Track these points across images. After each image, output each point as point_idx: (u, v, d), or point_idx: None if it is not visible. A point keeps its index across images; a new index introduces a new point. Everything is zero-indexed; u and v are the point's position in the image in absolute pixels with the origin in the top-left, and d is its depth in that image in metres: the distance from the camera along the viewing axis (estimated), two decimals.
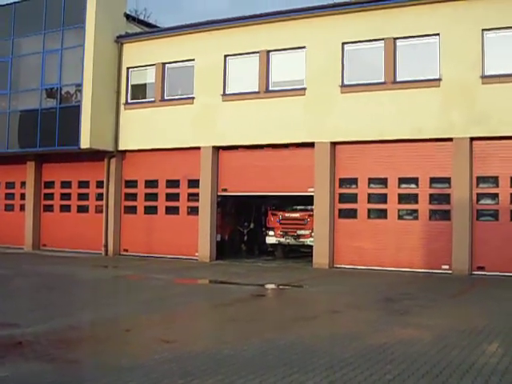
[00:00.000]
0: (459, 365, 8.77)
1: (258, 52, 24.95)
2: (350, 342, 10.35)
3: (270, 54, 24.81)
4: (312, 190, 23.56)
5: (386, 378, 8.10)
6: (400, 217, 22.54)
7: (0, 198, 32.89)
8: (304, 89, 23.84)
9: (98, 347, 10.26)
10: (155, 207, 27.75)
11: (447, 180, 21.65)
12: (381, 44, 22.62)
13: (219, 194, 26.09)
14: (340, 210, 23.44)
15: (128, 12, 29.96)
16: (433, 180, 21.97)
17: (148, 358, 9.14)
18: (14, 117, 29.21)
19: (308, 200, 24.33)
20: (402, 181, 22.49)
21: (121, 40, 27.94)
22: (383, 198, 22.81)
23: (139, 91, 28.49)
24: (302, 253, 27.02)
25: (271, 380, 7.95)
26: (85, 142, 26.70)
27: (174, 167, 26.97)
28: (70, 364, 9.11)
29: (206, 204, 25.76)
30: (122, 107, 28.08)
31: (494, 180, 21.08)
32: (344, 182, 23.51)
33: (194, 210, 26.55)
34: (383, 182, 22.80)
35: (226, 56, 25.63)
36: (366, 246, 22.71)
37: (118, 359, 9.18)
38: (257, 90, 24.92)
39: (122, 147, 27.99)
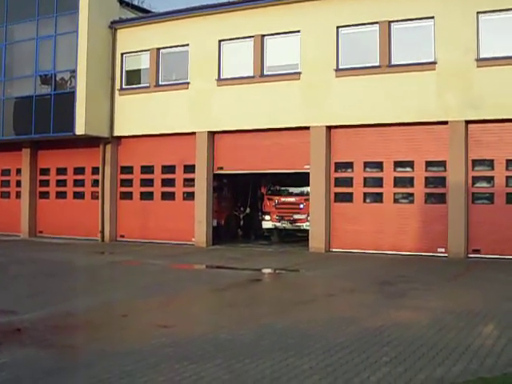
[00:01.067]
0: (455, 347, 8.82)
1: (252, 36, 24.87)
2: (347, 325, 10.40)
3: (265, 38, 24.72)
4: (308, 167, 23.52)
5: (382, 360, 8.14)
6: (396, 200, 22.56)
7: None
8: (299, 73, 23.79)
9: (95, 333, 10.29)
10: (151, 193, 27.75)
11: (443, 163, 21.66)
12: (375, 27, 22.54)
13: (215, 172, 26.04)
14: (336, 194, 23.45)
15: None
16: (428, 163, 21.98)
17: (145, 343, 9.17)
18: (8, 104, 29.11)
19: (304, 178, 24.34)
20: (397, 164, 22.50)
21: (115, 25, 27.82)
22: (379, 182, 22.83)
23: (134, 77, 28.40)
24: (299, 237, 27.06)
25: (268, 364, 7.99)
26: (80, 129, 26.64)
27: (170, 152, 26.93)
28: (68, 350, 9.16)
29: (201, 189, 25.75)
30: (116, 93, 28.00)
31: (490, 163, 21.08)
32: (339, 165, 23.51)
33: (189, 196, 26.55)
34: (379, 165, 22.80)
35: (220, 41, 25.54)
36: (362, 230, 22.74)
37: (115, 344, 9.22)
38: (252, 74, 24.86)
39: (117, 133, 27.94)
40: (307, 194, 24.67)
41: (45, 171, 30.89)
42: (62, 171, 30.36)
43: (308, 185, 24.02)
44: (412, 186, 22.26)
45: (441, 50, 21.39)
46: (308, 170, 23.59)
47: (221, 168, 25.92)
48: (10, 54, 29.16)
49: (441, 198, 21.77)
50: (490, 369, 7.75)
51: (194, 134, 25.87)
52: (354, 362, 8.06)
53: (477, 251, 20.87)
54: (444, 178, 21.64)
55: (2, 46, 29.00)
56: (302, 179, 24.72)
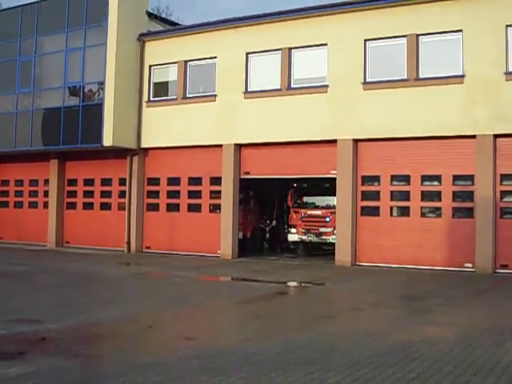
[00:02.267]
0: (483, 364, 8.71)
1: (279, 49, 24.91)
2: (372, 340, 10.31)
3: (292, 51, 24.76)
4: (334, 172, 23.45)
5: (409, 376, 8.05)
6: (423, 214, 22.41)
7: (24, 196, 33.14)
8: (326, 86, 23.77)
9: (120, 344, 10.30)
10: (177, 205, 27.82)
11: (470, 177, 21.49)
12: (403, 41, 22.49)
13: (242, 177, 26.00)
14: (362, 208, 23.35)
15: (150, 10, 30.01)
16: (456, 177, 21.82)
17: (170, 355, 9.16)
18: (37, 115, 29.41)
19: (330, 187, 24.38)
20: (424, 178, 22.36)
21: (143, 38, 28.02)
22: (406, 196, 22.70)
23: (161, 89, 28.57)
24: (324, 250, 26.96)
25: (293, 377, 7.93)
26: (107, 140, 26.82)
27: (196, 165, 27.00)
28: (93, 360, 9.17)
29: (228, 201, 25.77)
30: (144, 105, 28.16)
31: None
32: (366, 179, 23.42)
33: (216, 208, 26.59)
34: (406, 179, 22.68)
35: (247, 53, 25.62)
36: (389, 244, 22.61)
37: (140, 356, 9.21)
38: (279, 87, 24.89)
39: (144, 145, 28.09)
40: (333, 207, 24.60)
41: (72, 182, 31.13)
42: (89, 182, 30.58)
43: (334, 193, 23.93)
44: (439, 200, 22.10)
45: (469, 63, 21.26)
46: (334, 176, 23.51)
47: (247, 173, 25.89)
48: (39, 66, 29.53)
49: (468, 213, 21.59)
50: None
51: (220, 146, 25.93)
52: (380, 378, 7.97)
53: (505, 266, 20.65)
54: (472, 192, 21.47)
55: (31, 58, 29.35)
56: (329, 188, 24.72)
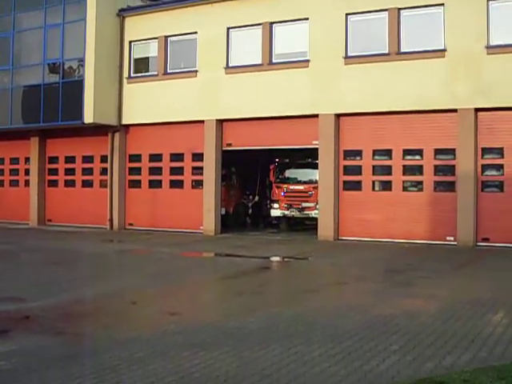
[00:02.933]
0: (464, 335, 8.80)
1: (260, 24, 24.78)
2: (355, 313, 10.39)
3: (273, 25, 24.63)
4: (316, 142, 23.49)
5: (391, 348, 8.13)
6: (405, 188, 22.51)
7: (5, 174, 32.91)
8: (307, 61, 23.70)
9: (105, 320, 10.31)
10: (160, 181, 27.76)
11: (452, 151, 21.58)
12: (385, 15, 22.42)
13: (224, 149, 25.95)
14: (345, 182, 23.41)
15: None
16: (437, 151, 21.90)
17: (154, 331, 9.20)
18: (16, 92, 29.14)
19: (312, 159, 24.57)
20: (406, 152, 22.43)
21: (123, 13, 27.76)
22: (388, 170, 22.78)
23: (142, 65, 28.38)
24: (307, 225, 27.06)
25: (277, 351, 7.98)
26: (88, 117, 26.65)
27: (178, 141, 26.92)
28: (77, 337, 9.19)
29: (210, 177, 25.74)
30: (124, 81, 27.97)
31: (499, 151, 20.99)
32: (348, 153, 23.46)
33: (198, 184, 26.57)
34: (388, 153, 22.74)
35: (228, 28, 25.47)
36: (371, 218, 22.71)
37: (124, 332, 9.25)
38: (260, 62, 24.79)
39: (125, 121, 27.94)
40: (316, 182, 24.66)
41: (53, 160, 30.94)
42: (70, 160, 30.41)
43: (316, 167, 24.03)
44: (421, 174, 22.19)
45: (450, 38, 21.25)
46: (317, 146, 23.53)
47: (229, 144, 25.81)
48: (18, 43, 29.18)
49: (450, 186, 21.71)
50: (499, 357, 7.73)
51: (202, 122, 25.84)
52: (362, 350, 8.04)
53: (486, 239, 20.81)
54: (453, 166, 21.57)
55: (9, 35, 28.98)
56: (311, 163, 24.94)
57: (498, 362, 7.52)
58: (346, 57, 22.98)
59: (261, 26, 24.77)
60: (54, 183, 30.97)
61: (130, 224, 28.11)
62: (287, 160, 27.55)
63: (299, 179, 27.19)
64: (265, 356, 7.81)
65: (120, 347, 8.28)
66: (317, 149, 23.57)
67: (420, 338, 8.67)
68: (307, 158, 25.98)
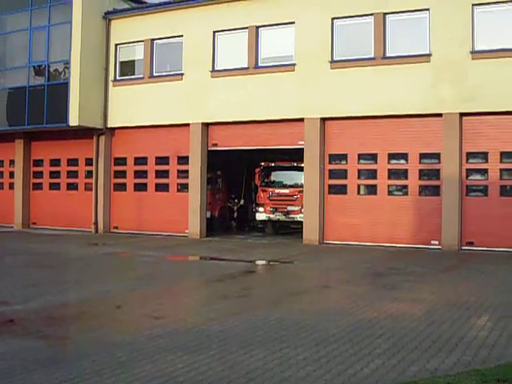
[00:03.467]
0: (449, 339, 8.83)
1: (246, 28, 24.80)
2: (340, 317, 10.40)
3: (259, 29, 24.66)
4: (302, 143, 23.52)
5: (375, 352, 8.15)
6: (390, 192, 22.58)
7: None
8: (293, 64, 23.74)
9: (89, 324, 10.27)
10: (145, 184, 27.70)
11: (437, 156, 21.68)
12: (370, 19, 22.50)
13: (210, 149, 25.90)
14: (330, 186, 23.45)
15: None
16: (422, 156, 21.99)
17: (139, 334, 9.17)
18: (1, 95, 29.01)
19: (298, 159, 24.74)
20: (391, 156, 22.51)
21: (109, 16, 27.70)
22: (373, 174, 22.84)
23: (128, 68, 28.33)
24: (292, 229, 27.08)
25: (261, 355, 7.98)
26: (73, 120, 26.56)
27: (164, 144, 26.89)
28: (62, 340, 9.15)
29: (195, 181, 25.72)
30: (110, 84, 27.91)
31: (484, 156, 21.11)
32: (334, 157, 23.52)
33: (183, 187, 26.54)
34: (373, 157, 22.81)
35: (214, 32, 25.47)
36: (356, 222, 22.77)
37: (108, 335, 9.22)
38: (246, 65, 24.81)
39: (110, 124, 27.87)
40: (301, 185, 24.70)
41: (38, 162, 30.82)
42: (55, 162, 30.29)
43: (302, 168, 24.16)
44: (406, 178, 22.28)
45: (435, 43, 21.37)
46: (302, 146, 23.55)
47: (215, 144, 25.80)
48: (2, 45, 29.11)
49: (435, 191, 21.80)
50: (483, 360, 7.77)
51: (188, 125, 25.83)
52: (347, 354, 8.06)
53: (470, 243, 20.91)
54: (438, 171, 21.67)
55: None
56: (297, 167, 25.19)
57: (482, 365, 7.55)
58: (332, 61, 23.04)
59: (247, 30, 24.80)
60: (38, 186, 30.83)
61: (115, 227, 28.03)
62: (272, 164, 27.61)
63: (284, 183, 27.24)
64: (249, 359, 7.81)
65: (104, 351, 8.26)
66: (302, 152, 23.59)
67: (404, 341, 8.70)
68: (293, 161, 26.09)
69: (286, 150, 25.24)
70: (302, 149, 23.56)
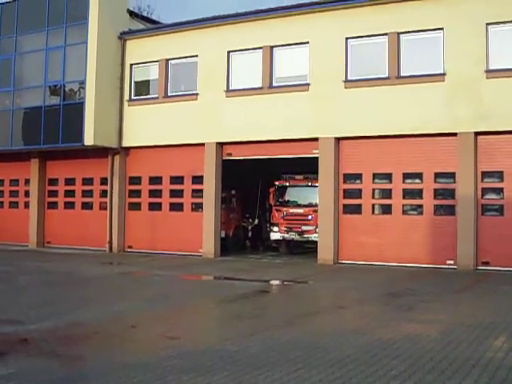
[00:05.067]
0: (465, 360, 8.74)
1: (261, 48, 24.90)
2: (355, 337, 10.32)
3: (274, 49, 24.75)
4: (317, 151, 23.50)
5: (391, 373, 8.07)
6: (405, 212, 22.49)
7: (4, 196, 32.93)
8: (308, 84, 23.78)
9: (103, 344, 10.26)
10: (159, 204, 27.74)
11: (452, 175, 21.59)
12: (385, 39, 22.54)
13: (224, 158, 25.93)
14: (344, 206, 23.40)
15: (131, 9, 29.93)
16: (437, 175, 21.91)
17: (153, 355, 9.12)
18: (17, 114, 29.23)
19: (312, 184, 25.08)
20: (406, 176, 22.44)
21: (124, 36, 27.90)
22: (388, 194, 22.78)
23: (143, 88, 28.48)
24: (307, 249, 26.99)
25: (276, 376, 7.92)
26: (89, 139, 26.69)
27: (178, 164, 26.95)
28: (76, 361, 9.11)
29: (210, 200, 25.73)
30: (125, 104, 28.05)
31: (499, 175, 21.01)
32: (348, 177, 23.47)
33: (198, 207, 26.57)
34: (388, 177, 22.76)
35: (229, 52, 25.58)
36: (371, 242, 22.66)
37: (123, 356, 9.17)
38: (260, 85, 24.88)
39: (125, 144, 27.98)
40: (316, 205, 24.64)
41: (53, 181, 30.96)
42: (70, 182, 30.42)
43: (316, 185, 24.25)
44: (421, 197, 22.19)
45: (450, 62, 21.35)
46: (317, 155, 23.52)
47: (230, 154, 25.82)
48: (19, 65, 29.32)
49: (450, 210, 21.69)
50: (500, 382, 7.68)
51: (202, 144, 25.88)
52: (363, 375, 7.98)
53: (486, 263, 20.76)
54: (453, 190, 21.57)
55: (11, 57, 29.15)
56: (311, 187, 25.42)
57: None
58: (346, 80, 23.06)
59: (261, 50, 24.89)
60: (53, 205, 30.95)
61: (130, 246, 28.06)
62: (287, 183, 27.59)
63: (299, 202, 27.20)
64: (264, 381, 7.75)
65: (118, 371, 8.22)
66: (317, 167, 23.54)
67: (421, 362, 8.62)
68: (307, 181, 26.12)
69: (300, 163, 25.35)
70: (317, 162, 23.48)
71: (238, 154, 25.73)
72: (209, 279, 20.64)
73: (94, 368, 8.60)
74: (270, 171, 27.41)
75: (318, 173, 23.76)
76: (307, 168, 25.58)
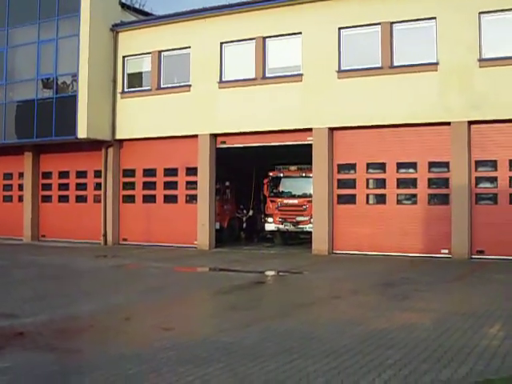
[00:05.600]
0: (460, 348, 8.76)
1: (254, 39, 24.84)
2: (351, 327, 10.34)
3: (266, 40, 24.69)
4: (311, 139, 23.48)
5: (387, 362, 8.08)
6: (399, 202, 22.51)
7: None
8: (301, 75, 23.74)
9: (98, 336, 10.26)
10: (153, 196, 27.71)
11: (446, 164, 21.61)
12: (377, 28, 22.50)
13: (218, 146, 25.90)
14: (339, 196, 23.40)
15: (123, 0, 29.76)
16: (431, 164, 21.93)
17: (148, 346, 9.13)
18: (10, 107, 29.13)
19: (306, 175, 25.15)
20: (400, 165, 22.45)
21: (116, 28, 27.80)
22: (382, 183, 22.79)
23: (135, 80, 28.40)
24: (301, 239, 27.03)
25: (272, 367, 7.93)
26: (82, 132, 26.62)
27: (172, 155, 26.91)
28: (71, 353, 9.11)
29: (204, 192, 25.71)
30: (118, 96, 27.97)
31: (493, 164, 21.03)
32: (342, 167, 23.47)
33: (192, 198, 26.54)
34: (382, 167, 22.76)
35: (222, 43, 25.51)
36: (366, 232, 22.69)
37: (118, 348, 9.17)
38: (253, 76, 24.83)
39: (119, 136, 27.92)
40: (310, 195, 24.66)
41: (47, 175, 30.88)
42: (64, 175, 30.35)
43: (310, 176, 24.22)
44: (415, 187, 22.21)
45: (443, 51, 21.34)
46: (311, 142, 23.50)
47: (223, 142, 25.81)
48: (11, 58, 29.17)
49: (444, 199, 21.72)
50: (496, 370, 7.69)
51: (196, 136, 25.84)
52: (358, 365, 8.00)
53: (481, 252, 20.81)
54: (447, 179, 21.60)
55: (3, 50, 29.00)
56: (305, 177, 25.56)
57: (495, 375, 7.49)
58: (339, 71, 23.04)
59: (254, 41, 24.84)
60: (47, 198, 30.89)
61: (124, 239, 28.03)
62: (281, 174, 27.58)
63: (293, 193, 27.22)
64: (260, 371, 7.76)
65: (113, 363, 8.22)
66: (311, 156, 23.53)
67: (416, 351, 8.63)
68: (301, 171, 26.13)
69: (294, 154, 25.47)
70: (311, 153, 23.48)
71: (232, 143, 25.66)
72: (204, 271, 20.63)
73: (89, 361, 8.59)
74: (264, 162, 27.39)
75: (311, 163, 23.75)
76: (301, 159, 25.55)
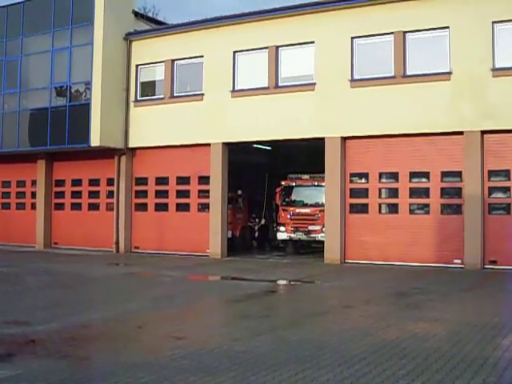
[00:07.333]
0: (473, 359, 8.71)
1: (266, 48, 24.89)
2: (363, 337, 10.30)
3: (279, 49, 24.74)
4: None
5: (399, 373, 8.04)
6: (411, 211, 22.44)
7: (11, 197, 32.95)
8: (313, 84, 23.75)
9: (110, 344, 10.25)
10: (166, 204, 27.75)
11: (459, 174, 21.54)
12: (390, 38, 22.49)
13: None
14: (351, 205, 23.37)
15: (136, 9, 29.91)
16: (444, 174, 21.87)
17: (160, 355, 9.12)
18: (24, 115, 29.29)
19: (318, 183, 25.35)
20: (413, 175, 22.39)
21: (129, 37, 27.92)
22: (394, 193, 22.74)
23: (148, 88, 28.49)
24: (313, 248, 26.96)
25: (284, 376, 7.91)
26: (95, 140, 26.72)
27: (184, 164, 26.96)
28: (83, 361, 9.12)
29: (216, 200, 25.72)
30: (131, 104, 28.06)
31: (506, 173, 20.95)
32: (355, 176, 23.45)
33: (204, 207, 26.57)
34: (394, 176, 22.72)
35: (234, 52, 25.57)
36: (378, 241, 22.62)
37: (130, 356, 9.17)
38: (266, 85, 24.86)
39: (131, 145, 28.00)
40: (322, 205, 24.62)
41: (60, 183, 30.99)
42: (77, 183, 30.45)
43: (323, 174, 24.11)
44: (428, 196, 22.14)
45: (456, 60, 21.30)
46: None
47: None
48: (25, 66, 29.36)
49: (457, 209, 21.65)
50: (509, 381, 7.67)
51: (208, 145, 25.88)
52: (371, 375, 7.96)
53: (493, 262, 20.70)
54: (460, 189, 21.52)
55: (17, 58, 29.18)
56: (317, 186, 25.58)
57: None
58: (352, 80, 23.03)
59: (267, 50, 24.88)
60: (60, 206, 30.99)
61: (136, 247, 28.08)
62: (293, 183, 27.57)
63: (305, 202, 27.19)
64: (272, 381, 7.74)
65: (126, 372, 8.22)
66: (323, 170, 23.52)
67: (429, 362, 8.59)
68: (313, 180, 26.15)
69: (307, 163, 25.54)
70: (323, 162, 23.43)
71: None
72: (216, 279, 20.64)
73: (101, 369, 8.60)
74: (278, 171, 27.38)
75: (324, 172, 23.73)
76: (313, 168, 25.53)
